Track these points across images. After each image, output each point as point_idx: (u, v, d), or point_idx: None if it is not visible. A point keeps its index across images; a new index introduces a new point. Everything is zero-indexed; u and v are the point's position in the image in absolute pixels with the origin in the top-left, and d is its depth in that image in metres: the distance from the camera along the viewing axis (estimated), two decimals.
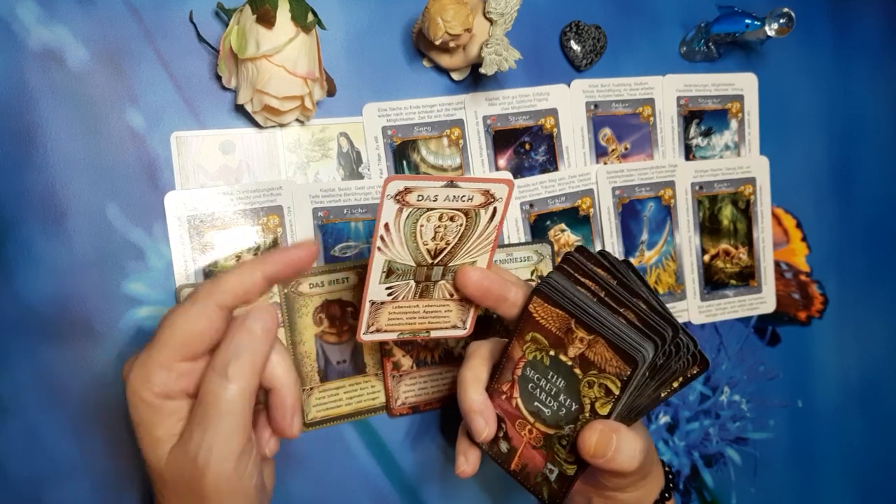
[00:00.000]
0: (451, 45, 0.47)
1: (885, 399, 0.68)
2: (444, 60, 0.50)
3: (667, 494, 0.45)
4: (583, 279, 0.39)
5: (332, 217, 0.50)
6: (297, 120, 0.49)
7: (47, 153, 0.44)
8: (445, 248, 0.39)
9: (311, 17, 0.44)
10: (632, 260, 0.58)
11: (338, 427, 0.50)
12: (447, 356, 0.52)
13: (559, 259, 0.55)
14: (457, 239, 0.38)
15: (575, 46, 0.55)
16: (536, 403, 0.41)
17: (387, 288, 0.39)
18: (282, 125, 0.48)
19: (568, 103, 0.56)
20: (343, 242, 0.50)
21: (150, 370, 0.33)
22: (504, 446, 0.44)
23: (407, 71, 0.52)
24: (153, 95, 0.46)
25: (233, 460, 0.33)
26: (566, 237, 0.56)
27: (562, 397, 0.40)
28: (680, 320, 0.60)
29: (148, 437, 0.34)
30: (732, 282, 0.62)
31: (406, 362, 0.51)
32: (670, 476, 0.46)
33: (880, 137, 0.68)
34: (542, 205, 0.55)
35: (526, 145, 0.55)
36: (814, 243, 0.65)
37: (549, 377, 0.40)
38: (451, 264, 0.40)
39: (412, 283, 0.40)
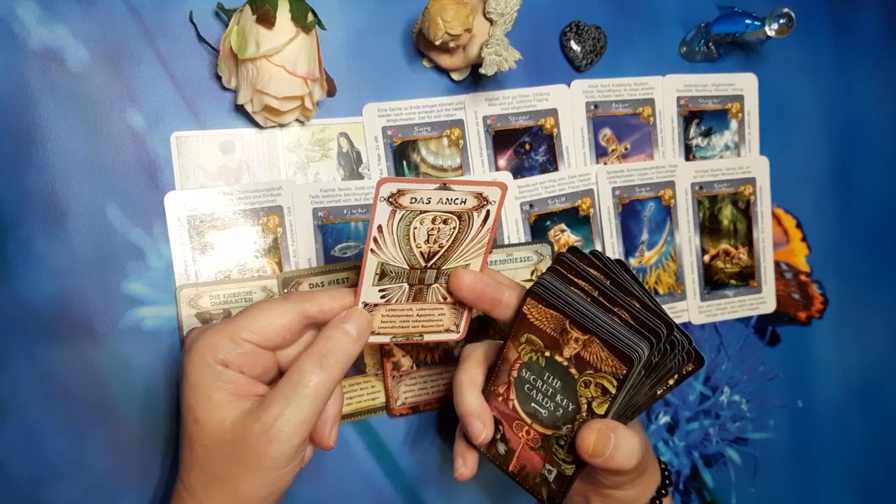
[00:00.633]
0: (451, 45, 0.47)
1: (885, 399, 0.68)
2: (444, 60, 0.50)
3: (663, 491, 0.45)
4: (576, 279, 0.39)
5: (332, 217, 0.50)
6: (297, 120, 0.49)
7: (47, 153, 0.45)
8: (439, 251, 0.39)
9: (311, 17, 0.44)
10: (632, 260, 0.58)
11: (338, 427, 0.50)
12: (447, 356, 0.52)
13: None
14: (450, 242, 0.38)
15: (575, 46, 0.55)
16: (533, 404, 0.41)
17: (380, 290, 0.39)
18: (282, 125, 0.48)
19: (568, 103, 0.56)
20: (343, 242, 0.50)
21: (219, 340, 0.37)
22: (502, 448, 0.44)
23: (407, 71, 0.52)
24: (153, 95, 0.46)
25: (300, 438, 0.36)
26: (566, 237, 0.56)
27: (558, 398, 0.40)
28: (680, 320, 0.60)
29: (206, 401, 0.37)
30: (732, 282, 0.62)
31: (406, 362, 0.51)
32: (667, 473, 0.46)
33: (880, 137, 0.68)
34: (542, 205, 0.55)
35: (526, 145, 0.55)
36: (814, 243, 0.65)
37: (545, 378, 0.40)
38: (444, 267, 0.40)
39: (405, 285, 0.40)
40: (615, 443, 0.38)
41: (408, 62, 0.52)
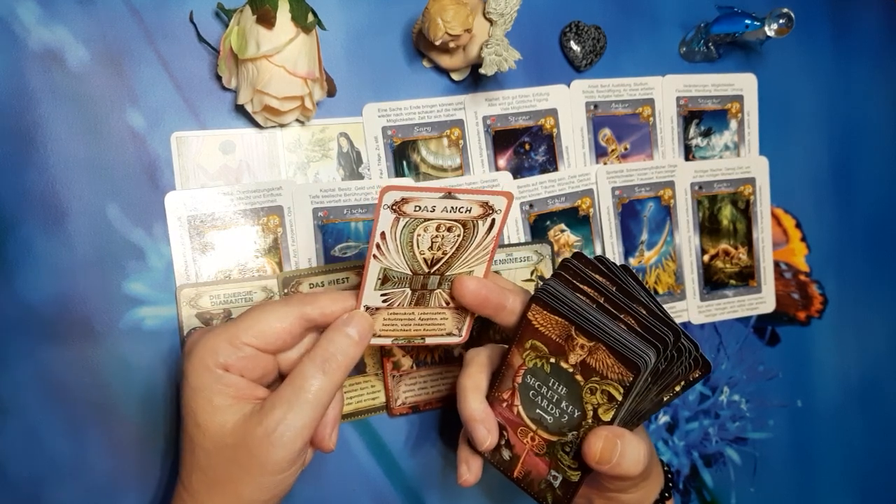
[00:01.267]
0: (451, 45, 0.47)
1: (885, 399, 0.68)
2: (444, 61, 0.50)
3: (666, 494, 0.45)
4: (581, 286, 0.39)
5: (332, 217, 0.50)
6: (298, 120, 0.49)
7: (47, 153, 0.45)
8: (442, 258, 0.38)
9: (311, 17, 0.44)
10: (631, 260, 0.58)
11: (338, 429, 0.50)
12: (447, 356, 0.52)
13: (558, 262, 0.56)
14: (454, 249, 0.38)
15: (575, 47, 0.55)
16: (538, 411, 0.41)
17: (382, 295, 0.39)
18: (282, 125, 0.48)
19: (568, 103, 0.56)
20: (343, 242, 0.50)
21: (219, 343, 0.37)
22: (506, 454, 0.43)
23: (407, 71, 0.52)
24: (153, 96, 0.46)
25: (301, 443, 0.36)
26: (566, 237, 0.56)
27: (564, 404, 0.40)
28: (679, 320, 0.60)
29: (207, 404, 0.37)
30: (732, 282, 0.62)
31: (406, 362, 0.51)
32: (669, 476, 0.46)
33: (880, 137, 0.68)
34: (542, 205, 0.55)
35: (526, 145, 0.55)
36: (813, 243, 0.65)
37: (551, 384, 0.40)
38: (447, 273, 0.40)
39: (408, 290, 0.40)
40: (622, 450, 0.38)
41: (408, 62, 0.52)
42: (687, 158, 0.60)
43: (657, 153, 0.59)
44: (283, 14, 0.42)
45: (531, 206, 0.55)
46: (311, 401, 0.36)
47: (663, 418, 0.60)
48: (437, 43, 0.46)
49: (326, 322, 0.39)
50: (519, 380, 0.41)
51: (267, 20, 0.42)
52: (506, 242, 0.54)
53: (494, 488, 0.55)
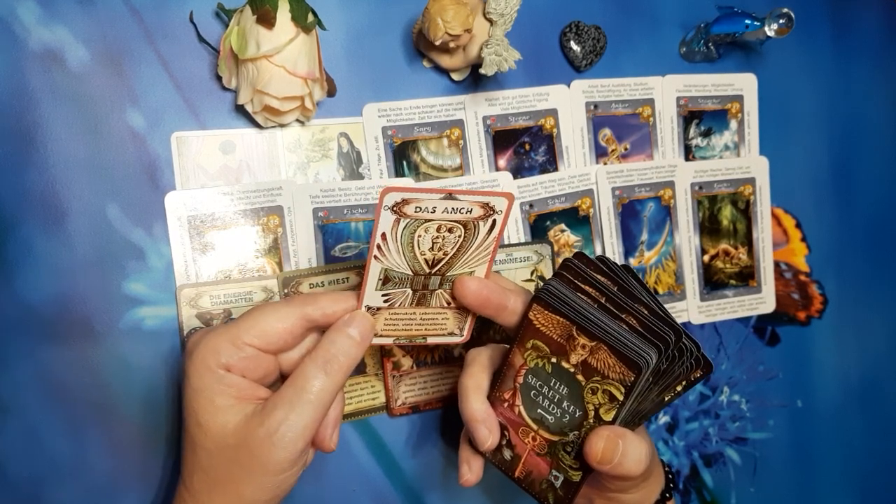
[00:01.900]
0: (451, 45, 0.47)
1: (885, 399, 0.68)
2: (444, 61, 0.50)
3: (667, 494, 0.45)
4: (582, 285, 0.39)
5: (332, 217, 0.50)
6: (298, 120, 0.49)
7: (47, 153, 0.45)
8: (443, 259, 0.38)
9: (311, 17, 0.44)
10: (631, 260, 0.58)
11: (339, 430, 0.50)
12: (447, 356, 0.52)
13: (558, 263, 0.56)
14: (455, 250, 0.38)
15: (575, 47, 0.55)
16: (539, 411, 0.41)
17: (383, 295, 0.39)
18: (282, 125, 0.48)
19: (568, 104, 0.56)
20: (343, 243, 0.50)
21: (221, 343, 0.37)
22: (507, 454, 0.43)
23: (407, 71, 0.52)
24: (153, 96, 0.46)
25: (303, 443, 0.36)
26: (566, 237, 0.56)
27: (565, 404, 0.40)
28: (679, 320, 0.60)
29: (209, 405, 0.37)
30: (732, 282, 0.62)
31: (406, 362, 0.51)
32: (670, 476, 0.46)
33: (880, 137, 0.68)
34: (542, 205, 0.55)
35: (526, 145, 0.55)
36: (813, 243, 0.65)
37: (552, 384, 0.40)
38: (448, 274, 0.40)
39: (409, 291, 0.40)
40: (623, 450, 0.38)
41: (408, 62, 0.52)
42: (687, 158, 0.60)
43: (657, 153, 0.59)
44: (283, 14, 0.42)
45: (531, 206, 0.55)
46: (313, 401, 0.36)
47: (663, 418, 0.60)
48: (437, 43, 0.46)
49: (327, 322, 0.39)
50: (520, 380, 0.41)
51: (267, 20, 0.42)
52: (506, 242, 0.54)
53: (495, 489, 0.55)
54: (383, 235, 0.36)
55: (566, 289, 0.39)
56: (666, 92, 0.59)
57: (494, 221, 0.37)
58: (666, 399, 0.41)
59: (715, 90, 0.61)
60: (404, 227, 0.36)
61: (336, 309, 0.39)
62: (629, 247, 0.58)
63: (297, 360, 0.40)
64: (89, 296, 0.45)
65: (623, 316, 0.38)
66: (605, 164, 0.57)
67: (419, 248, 0.37)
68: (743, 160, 0.62)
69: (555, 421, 0.41)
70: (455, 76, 0.52)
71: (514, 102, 0.54)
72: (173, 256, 0.47)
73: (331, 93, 0.49)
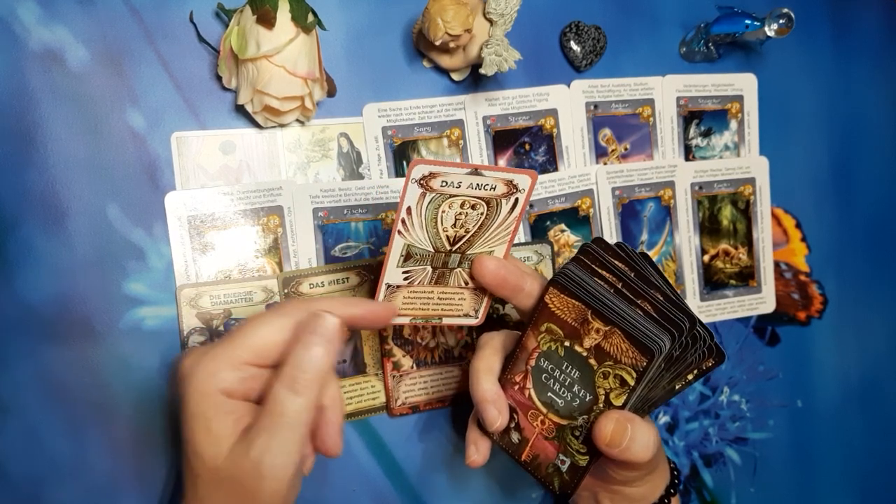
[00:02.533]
0: (451, 45, 0.47)
1: (885, 399, 0.68)
2: (444, 61, 0.50)
3: (672, 491, 0.45)
4: (600, 270, 0.39)
5: (332, 217, 0.50)
6: (298, 120, 0.49)
7: (47, 153, 0.45)
8: (465, 236, 0.39)
9: (311, 17, 0.44)
10: None
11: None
12: (447, 356, 0.52)
13: (559, 263, 0.56)
14: (476, 227, 0.39)
15: (575, 47, 0.55)
16: (550, 394, 0.41)
17: (404, 272, 0.40)
18: (282, 125, 0.48)
19: (568, 104, 0.56)
20: (343, 243, 0.50)
21: (218, 366, 0.35)
22: (515, 437, 0.44)
23: (407, 71, 0.52)
24: (153, 96, 0.46)
25: (292, 469, 0.34)
26: (566, 237, 0.56)
27: (576, 388, 0.40)
28: None
29: (205, 432, 0.35)
30: (732, 282, 0.62)
31: (406, 362, 0.51)
32: (675, 472, 0.46)
33: (880, 137, 0.68)
34: (542, 205, 0.55)
35: (526, 146, 0.55)
36: (813, 243, 0.65)
37: (564, 368, 0.40)
38: (468, 252, 0.40)
39: (429, 268, 0.40)
40: (632, 434, 0.38)
41: (408, 62, 0.52)
42: (687, 158, 0.60)
43: (657, 153, 0.59)
44: (283, 14, 0.42)
45: (531, 206, 0.55)
46: (291, 423, 0.34)
47: (663, 418, 0.60)
48: (437, 43, 0.46)
49: None
50: (532, 363, 0.41)
51: (267, 20, 0.42)
52: None
53: (494, 486, 0.55)
54: (408, 210, 0.36)
55: (584, 273, 0.39)
56: (666, 92, 0.59)
57: (517, 200, 0.38)
58: (677, 387, 0.41)
59: (715, 90, 0.61)
60: (429, 202, 0.36)
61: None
62: None
63: None
64: (89, 296, 0.45)
65: (638, 301, 0.38)
66: (605, 164, 0.57)
67: (442, 224, 0.38)
68: (743, 160, 0.62)
69: (565, 405, 0.41)
70: (455, 76, 0.52)
71: (514, 102, 0.54)
72: (173, 256, 0.47)
73: (331, 93, 0.49)
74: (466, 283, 0.42)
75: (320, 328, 0.35)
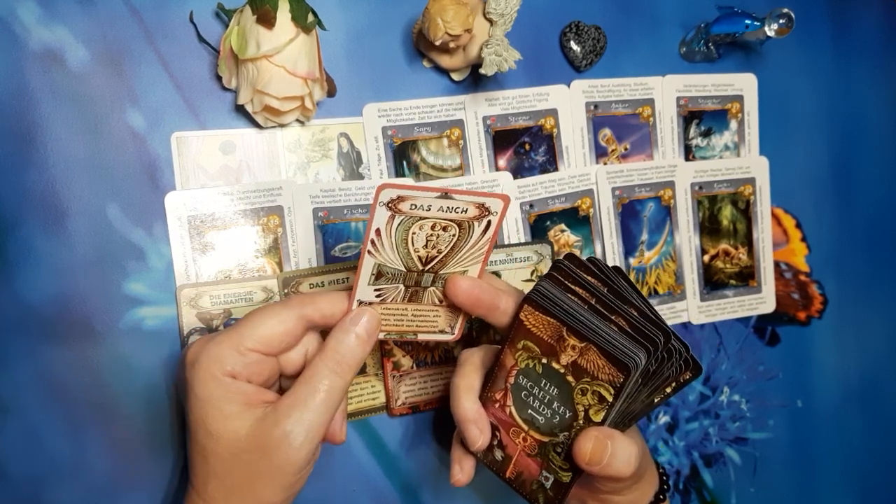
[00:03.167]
0: (451, 45, 0.47)
1: (885, 399, 0.68)
2: (444, 61, 0.50)
3: (661, 496, 0.45)
4: (573, 286, 0.39)
5: (332, 217, 0.50)
6: (298, 120, 0.49)
7: (47, 153, 0.45)
8: (437, 256, 0.38)
9: (311, 17, 0.44)
10: (631, 260, 0.58)
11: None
12: (447, 356, 0.52)
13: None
14: (449, 248, 0.38)
15: (575, 47, 0.56)
16: (530, 411, 0.41)
17: (375, 290, 0.39)
18: (282, 125, 0.48)
19: (568, 104, 0.56)
20: (343, 243, 0.50)
21: (224, 351, 0.37)
22: (499, 454, 0.43)
23: (407, 71, 0.52)
24: (153, 96, 0.46)
25: (318, 441, 0.38)
26: (566, 237, 0.56)
27: (555, 405, 0.40)
28: (679, 320, 0.60)
29: (218, 413, 0.37)
30: (732, 282, 0.62)
31: (406, 362, 0.51)
32: (664, 478, 0.46)
33: (880, 137, 0.68)
34: (542, 205, 0.55)
35: (526, 146, 0.55)
36: (813, 243, 0.65)
37: (542, 385, 0.40)
38: (441, 272, 0.40)
39: (401, 286, 0.40)
40: (612, 451, 0.38)
41: (408, 62, 0.52)
42: (687, 158, 0.60)
43: (657, 153, 0.59)
44: (283, 14, 0.42)
45: (531, 206, 0.55)
46: (326, 400, 0.37)
47: (663, 418, 0.60)
48: (437, 43, 0.46)
49: (326, 323, 0.39)
50: (511, 380, 0.41)
51: (267, 20, 0.42)
52: (506, 242, 0.54)
53: (494, 489, 0.55)
54: (377, 231, 0.36)
55: (557, 290, 0.39)
56: (666, 92, 0.59)
57: (489, 222, 0.37)
58: (656, 401, 0.41)
59: (715, 90, 0.61)
60: (399, 224, 0.36)
61: (334, 310, 0.39)
62: (629, 247, 0.58)
63: (297, 359, 0.40)
64: (89, 296, 0.45)
65: (613, 317, 0.38)
66: (605, 164, 0.57)
67: (413, 245, 0.37)
68: (743, 160, 0.62)
69: (545, 422, 0.41)
70: (455, 76, 0.52)
71: (514, 102, 0.54)
72: (173, 256, 0.47)
73: (331, 93, 0.49)
74: (441, 301, 0.42)
75: (366, 321, 0.39)
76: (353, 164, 0.51)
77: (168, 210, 0.47)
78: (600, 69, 0.57)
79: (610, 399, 0.38)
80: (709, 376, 0.62)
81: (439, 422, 0.53)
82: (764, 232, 0.63)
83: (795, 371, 0.65)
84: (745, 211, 0.62)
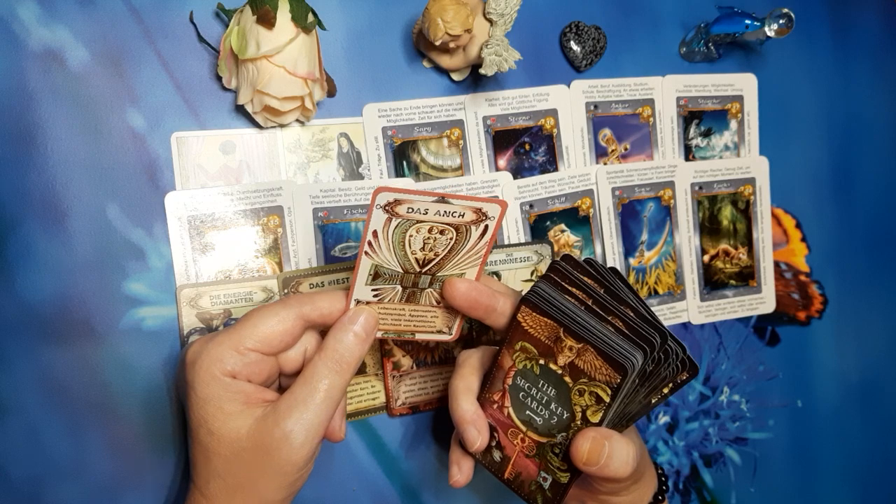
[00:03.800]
0: (451, 45, 0.47)
1: (885, 399, 0.68)
2: (444, 61, 0.50)
3: (660, 497, 0.45)
4: (570, 287, 0.39)
5: (332, 217, 0.50)
6: (298, 120, 0.49)
7: (47, 153, 0.45)
8: (434, 259, 0.38)
9: (311, 17, 0.44)
10: (631, 260, 0.58)
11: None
12: (447, 356, 0.52)
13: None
14: (446, 251, 0.38)
15: (575, 47, 0.56)
16: (528, 412, 0.41)
17: (373, 290, 0.39)
18: (282, 125, 0.48)
19: (568, 104, 0.56)
20: (343, 243, 0.50)
21: (224, 352, 0.37)
22: (497, 455, 0.44)
23: (407, 71, 0.52)
24: (153, 96, 0.46)
25: (319, 440, 0.38)
26: (566, 237, 0.56)
27: (553, 406, 0.40)
28: (679, 320, 0.60)
29: (219, 412, 0.37)
30: (732, 282, 0.62)
31: (406, 362, 0.51)
32: (663, 479, 0.46)
33: (880, 137, 0.68)
34: (542, 205, 0.55)
35: (526, 146, 0.55)
36: (813, 243, 0.65)
37: (540, 386, 0.40)
38: (439, 274, 0.40)
39: (399, 287, 0.40)
40: (609, 451, 0.38)
41: (408, 62, 0.52)
42: (687, 158, 0.60)
43: (657, 153, 0.59)
44: (283, 14, 0.42)
45: (531, 206, 0.55)
46: (326, 399, 0.38)
47: (663, 418, 0.60)
48: (437, 43, 0.46)
49: (324, 322, 0.39)
50: (509, 381, 0.41)
51: (267, 20, 0.42)
52: (506, 242, 0.54)
53: (494, 490, 0.55)
54: (374, 233, 0.36)
55: (554, 291, 0.39)
56: (666, 92, 0.59)
57: (487, 227, 0.37)
58: (653, 401, 0.41)
59: (715, 90, 0.61)
60: (396, 227, 0.36)
61: (332, 309, 0.39)
62: (629, 247, 0.58)
63: (295, 358, 0.40)
64: (89, 296, 0.45)
65: (609, 318, 0.38)
66: (605, 164, 0.57)
67: (410, 247, 0.37)
68: (743, 160, 0.62)
69: (543, 422, 0.41)
70: (455, 76, 0.52)
71: (514, 102, 0.54)
72: (173, 256, 0.47)
73: (331, 93, 0.49)
74: (438, 302, 0.42)
75: (365, 320, 0.39)
76: (353, 165, 0.51)
77: (168, 210, 0.47)
78: (600, 69, 0.57)
79: (607, 400, 0.38)
80: (709, 376, 0.62)
81: (439, 422, 0.53)
82: (764, 232, 0.63)
83: (795, 371, 0.65)
84: (745, 211, 0.62)
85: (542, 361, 0.40)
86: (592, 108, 0.57)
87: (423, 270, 0.39)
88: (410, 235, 0.37)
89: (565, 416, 0.39)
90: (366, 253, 0.37)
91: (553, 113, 0.56)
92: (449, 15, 0.44)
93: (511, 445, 0.43)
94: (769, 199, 0.63)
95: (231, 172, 0.48)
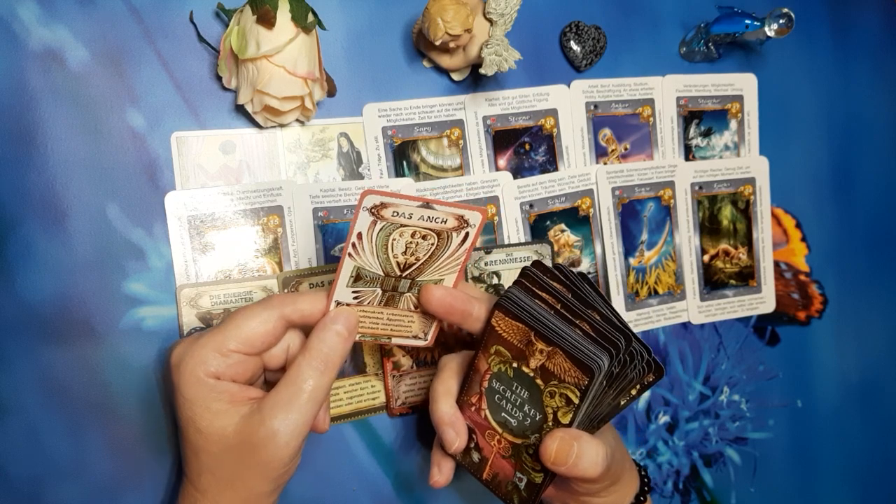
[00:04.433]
0: (451, 45, 0.47)
1: (884, 399, 0.68)
2: (444, 61, 0.50)
3: (642, 498, 0.45)
4: (540, 292, 0.40)
5: (332, 217, 0.50)
6: (298, 120, 0.49)
7: (47, 153, 0.45)
8: (415, 264, 0.39)
9: (311, 17, 0.44)
10: (631, 260, 0.58)
11: (338, 427, 0.50)
12: None
13: (562, 257, 0.56)
14: (427, 256, 0.39)
15: (575, 47, 0.56)
16: (503, 414, 0.42)
17: (353, 292, 0.40)
18: (282, 125, 0.48)
19: (568, 104, 0.56)
20: (343, 242, 0.50)
21: (207, 354, 0.38)
22: (476, 456, 0.45)
23: (407, 71, 0.52)
24: (153, 96, 0.46)
25: (303, 438, 0.38)
26: (566, 237, 0.56)
27: (526, 407, 0.41)
28: (679, 320, 0.60)
29: (205, 412, 0.38)
30: (732, 282, 0.62)
31: (406, 362, 0.51)
32: (646, 479, 0.47)
33: (880, 137, 0.68)
34: (542, 205, 0.55)
35: (526, 145, 0.55)
36: (813, 243, 0.65)
37: (514, 388, 0.41)
38: (418, 279, 0.41)
39: (379, 290, 0.40)
40: (578, 451, 0.39)
41: (408, 62, 0.52)
42: (687, 158, 0.60)
43: (657, 153, 0.59)
44: (283, 14, 0.42)
45: (531, 206, 0.55)
46: (310, 400, 0.38)
47: (663, 418, 0.60)
48: (437, 43, 0.46)
49: (305, 322, 0.40)
50: (485, 384, 0.42)
51: (267, 20, 0.42)
52: (506, 242, 0.54)
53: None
54: (359, 235, 0.37)
55: (525, 296, 0.40)
56: (666, 92, 0.59)
57: (467, 234, 0.38)
58: (622, 403, 0.42)
59: (715, 90, 0.61)
60: (380, 230, 0.37)
61: (313, 310, 0.39)
62: (629, 247, 0.58)
63: (279, 355, 0.41)
64: (89, 296, 0.45)
65: (577, 322, 0.39)
66: (605, 164, 0.57)
67: (392, 250, 0.38)
68: (743, 160, 0.62)
69: (517, 424, 0.42)
70: (455, 76, 0.52)
71: (514, 102, 0.54)
72: (173, 256, 0.47)
73: (331, 93, 0.49)
74: (416, 307, 0.43)
75: (346, 320, 0.40)
76: (353, 164, 0.51)
77: (168, 210, 0.47)
78: (600, 69, 0.57)
79: (576, 401, 0.39)
80: (709, 376, 0.62)
81: None
82: (764, 232, 0.63)
83: (795, 371, 0.65)
84: (745, 211, 0.62)
85: (515, 364, 0.41)
86: (592, 107, 0.57)
87: (404, 274, 0.40)
88: (393, 239, 0.37)
89: (538, 417, 0.40)
90: (349, 255, 0.38)
91: (553, 113, 0.56)
92: (449, 15, 0.45)
93: (488, 447, 0.44)
94: (769, 198, 0.63)
95: (231, 172, 0.48)
